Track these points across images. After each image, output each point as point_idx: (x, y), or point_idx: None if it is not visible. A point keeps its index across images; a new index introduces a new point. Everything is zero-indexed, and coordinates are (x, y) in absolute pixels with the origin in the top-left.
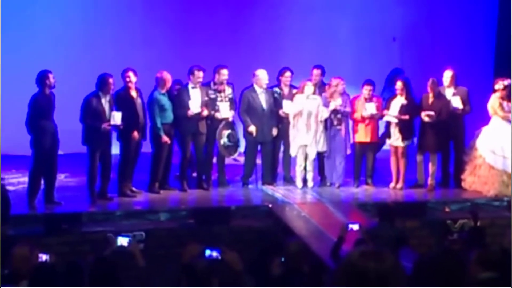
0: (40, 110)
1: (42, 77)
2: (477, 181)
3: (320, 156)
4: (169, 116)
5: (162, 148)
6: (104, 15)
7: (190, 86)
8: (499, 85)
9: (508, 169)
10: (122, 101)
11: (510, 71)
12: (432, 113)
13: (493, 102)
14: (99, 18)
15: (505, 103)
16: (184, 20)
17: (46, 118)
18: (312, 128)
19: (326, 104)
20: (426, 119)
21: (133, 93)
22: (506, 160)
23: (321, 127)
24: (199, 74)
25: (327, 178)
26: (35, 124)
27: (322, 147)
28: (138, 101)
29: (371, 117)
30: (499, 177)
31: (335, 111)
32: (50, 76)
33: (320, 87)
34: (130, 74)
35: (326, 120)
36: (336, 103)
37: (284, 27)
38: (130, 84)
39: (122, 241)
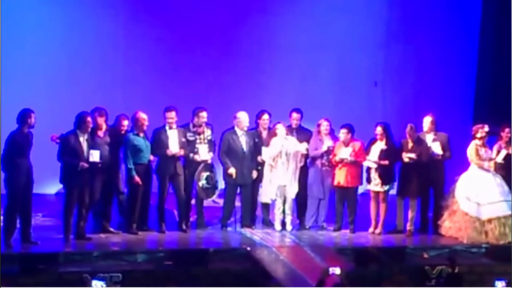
0: (17, 148)
1: (23, 116)
2: (453, 227)
3: (298, 198)
4: (144, 157)
5: (136, 189)
6: (85, 51)
7: (167, 127)
8: (480, 133)
9: (481, 216)
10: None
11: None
12: (413, 155)
13: (471, 149)
14: (80, 53)
15: (483, 150)
16: (165, 59)
17: (22, 156)
18: (290, 167)
19: (318, 146)
20: (407, 159)
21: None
22: (480, 207)
23: (298, 166)
24: (169, 115)
25: (322, 221)
26: (10, 162)
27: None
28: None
29: (342, 161)
30: (472, 223)
31: (327, 153)
32: (32, 115)
33: (299, 131)
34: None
35: (309, 162)
36: (328, 144)
37: (266, 68)
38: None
39: (97, 285)
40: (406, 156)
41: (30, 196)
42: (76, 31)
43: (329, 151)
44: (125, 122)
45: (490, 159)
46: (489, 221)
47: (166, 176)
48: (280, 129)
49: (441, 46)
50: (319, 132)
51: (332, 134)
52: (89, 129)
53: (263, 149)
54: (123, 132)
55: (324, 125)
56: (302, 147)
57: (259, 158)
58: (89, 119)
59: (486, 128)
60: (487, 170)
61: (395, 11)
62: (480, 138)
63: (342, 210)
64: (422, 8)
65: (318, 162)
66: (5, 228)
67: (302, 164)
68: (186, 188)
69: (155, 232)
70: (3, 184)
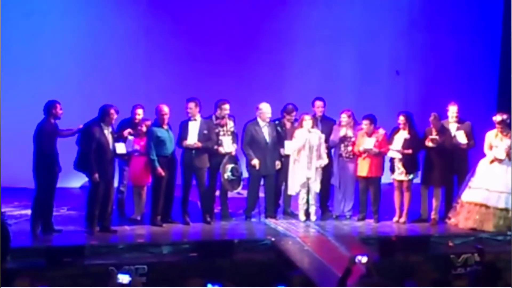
0: (44, 138)
1: (50, 107)
2: (460, 219)
3: (321, 188)
4: (168, 148)
5: (159, 180)
6: (107, 45)
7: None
8: (496, 117)
9: (487, 202)
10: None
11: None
12: (436, 137)
13: (485, 139)
14: (102, 47)
15: (498, 139)
16: (187, 52)
17: (50, 146)
18: (313, 161)
19: (336, 134)
20: (430, 144)
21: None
22: (484, 193)
23: (323, 161)
24: (188, 106)
25: (333, 211)
26: (39, 152)
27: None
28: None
29: (366, 152)
30: (478, 211)
31: (345, 143)
32: (58, 106)
33: (323, 120)
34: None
35: (334, 151)
36: (348, 133)
37: (287, 59)
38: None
39: (123, 278)
40: (430, 138)
41: (55, 187)
42: (97, 24)
43: (347, 141)
44: (139, 111)
45: (508, 147)
46: (501, 210)
47: (187, 168)
48: (307, 121)
49: (463, 33)
50: (340, 124)
51: (355, 125)
52: (113, 121)
53: (286, 143)
54: (137, 121)
55: (344, 117)
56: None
57: (281, 151)
58: (112, 111)
59: (499, 117)
60: (500, 160)
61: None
62: (497, 124)
63: (366, 200)
64: None
65: (335, 152)
66: (34, 219)
67: (325, 161)
68: (210, 180)
69: (180, 224)
70: (32, 174)
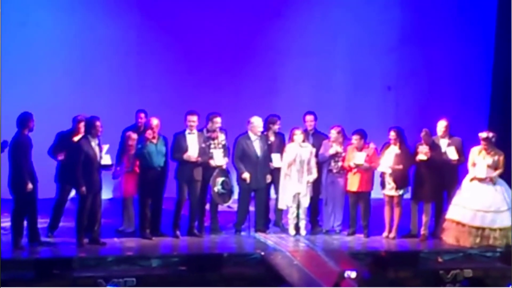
0: (19, 152)
1: (23, 120)
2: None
3: (311, 202)
4: (154, 162)
5: (146, 193)
6: (98, 55)
7: (187, 131)
8: (482, 134)
9: (462, 220)
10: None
11: (506, 119)
12: (426, 148)
13: (469, 156)
14: (93, 58)
15: (480, 157)
16: (179, 65)
17: (25, 159)
18: (304, 176)
19: (326, 149)
20: (423, 157)
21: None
22: (462, 210)
23: (313, 176)
24: (191, 118)
25: (322, 226)
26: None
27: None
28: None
29: (357, 167)
30: (460, 230)
31: (335, 158)
32: (32, 118)
33: (314, 134)
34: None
35: (322, 167)
36: (337, 149)
37: (278, 72)
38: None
39: None
40: (420, 152)
41: (35, 197)
42: (88, 35)
43: (338, 156)
44: (143, 115)
45: (489, 166)
46: (478, 228)
47: (184, 181)
48: (298, 135)
49: (455, 49)
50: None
51: (345, 141)
52: (99, 133)
53: (273, 155)
54: (140, 125)
55: (333, 133)
56: (315, 173)
57: (270, 165)
58: (98, 123)
59: (484, 134)
60: (481, 180)
61: (407, 15)
62: (482, 143)
63: (355, 214)
64: (435, 11)
65: (325, 167)
66: (14, 232)
67: (315, 176)
68: (200, 193)
69: (169, 237)
70: (8, 189)
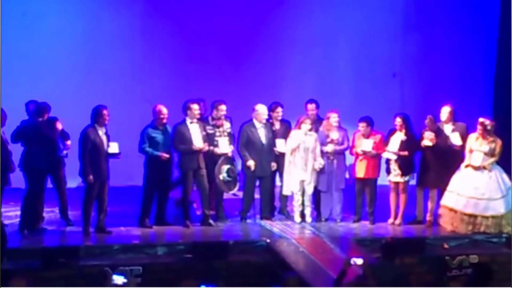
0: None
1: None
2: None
3: (316, 191)
4: (160, 150)
5: (151, 182)
6: (101, 45)
7: (188, 121)
8: (479, 119)
9: (455, 206)
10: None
11: (510, 105)
12: (432, 135)
13: (467, 142)
14: (96, 48)
15: (477, 144)
16: (183, 54)
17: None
18: (309, 164)
19: (323, 139)
20: (427, 143)
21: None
22: (455, 197)
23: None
24: (195, 107)
25: (322, 214)
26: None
27: (319, 184)
28: None
29: (364, 154)
30: (454, 217)
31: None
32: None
33: (316, 122)
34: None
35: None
36: (333, 137)
37: (283, 61)
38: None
39: (118, 279)
40: (426, 138)
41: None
42: (91, 25)
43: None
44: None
45: (485, 154)
46: (470, 216)
47: (190, 171)
48: (307, 124)
49: (460, 35)
50: (326, 124)
51: (340, 126)
52: (106, 122)
53: (277, 140)
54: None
55: (333, 117)
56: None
57: (275, 150)
58: (105, 112)
59: (481, 119)
60: (474, 167)
61: (412, 1)
62: (478, 128)
63: (361, 201)
64: None
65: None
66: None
67: (322, 163)
68: (208, 181)
69: (174, 226)
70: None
